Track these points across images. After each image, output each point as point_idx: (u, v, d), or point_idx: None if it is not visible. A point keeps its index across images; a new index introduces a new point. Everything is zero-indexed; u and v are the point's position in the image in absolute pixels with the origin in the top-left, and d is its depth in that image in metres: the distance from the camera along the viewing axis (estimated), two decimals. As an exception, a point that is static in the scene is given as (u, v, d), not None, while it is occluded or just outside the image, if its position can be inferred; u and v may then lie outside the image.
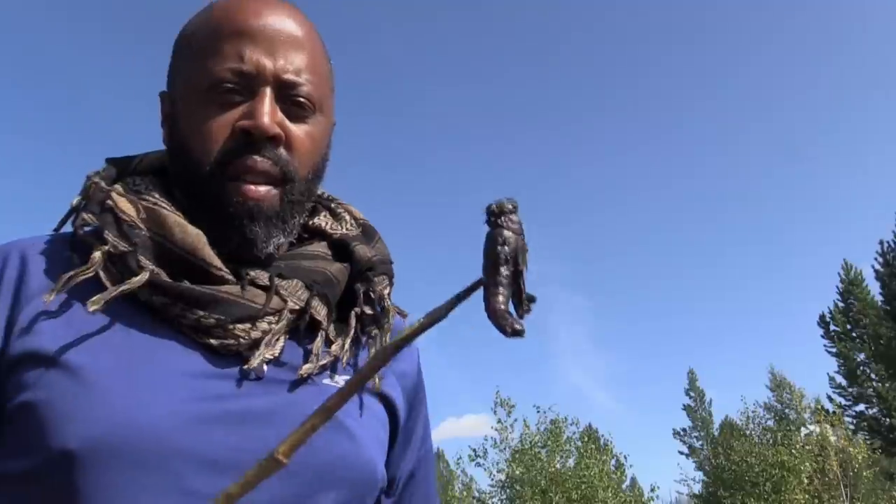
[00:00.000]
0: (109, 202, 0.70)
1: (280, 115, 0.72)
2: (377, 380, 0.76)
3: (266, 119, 0.69)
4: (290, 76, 0.72)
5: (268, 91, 0.71)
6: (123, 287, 0.64)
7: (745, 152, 56.71)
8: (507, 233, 0.37)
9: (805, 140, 56.50)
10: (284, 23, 0.74)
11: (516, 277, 0.37)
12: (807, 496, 18.40)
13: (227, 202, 0.70)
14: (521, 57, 65.54)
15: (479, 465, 19.26)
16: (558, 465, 18.35)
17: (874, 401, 30.13)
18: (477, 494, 20.51)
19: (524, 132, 62.15)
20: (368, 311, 0.76)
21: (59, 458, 0.59)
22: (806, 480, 18.35)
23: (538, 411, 19.11)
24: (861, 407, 30.81)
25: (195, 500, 0.59)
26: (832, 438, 20.25)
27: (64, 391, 0.61)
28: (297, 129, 0.73)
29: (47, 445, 0.59)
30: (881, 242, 31.74)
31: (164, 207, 0.70)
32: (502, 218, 0.37)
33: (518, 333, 0.35)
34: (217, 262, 0.69)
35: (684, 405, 36.25)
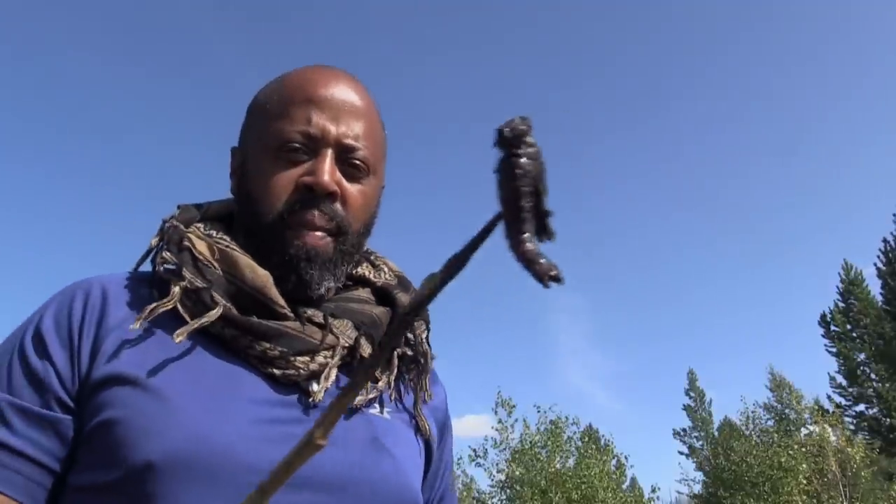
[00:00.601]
0: (187, 243, 0.78)
1: (338, 174, 0.80)
2: (427, 426, 0.86)
3: (326, 177, 0.78)
4: (349, 141, 0.81)
5: (329, 152, 0.80)
6: (203, 320, 0.72)
7: (744, 151, 56.73)
8: (524, 161, 0.33)
9: (805, 139, 56.52)
10: (348, 94, 0.83)
11: (538, 206, 0.33)
12: (804, 497, 18.39)
13: (287, 246, 0.78)
14: (521, 60, 65.53)
15: (478, 465, 19.30)
16: (558, 466, 18.36)
17: (874, 401, 30.10)
18: (476, 495, 20.52)
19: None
20: (409, 352, 0.85)
21: (141, 469, 0.65)
22: (804, 481, 18.33)
23: (538, 411, 19.14)
24: (861, 407, 30.80)
25: None
26: (832, 438, 20.24)
27: (145, 409, 0.68)
28: (352, 188, 0.82)
29: (130, 458, 0.65)
30: (884, 241, 31.76)
31: (235, 250, 0.79)
32: (517, 144, 0.33)
33: (556, 280, 0.32)
34: (281, 300, 0.77)
35: (684, 405, 36.21)
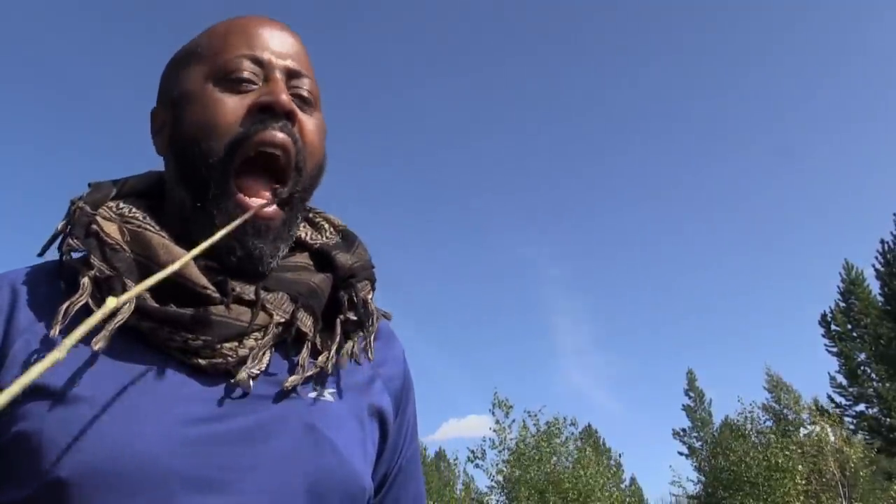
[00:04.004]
0: (94, 226, 0.71)
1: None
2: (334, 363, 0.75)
3: (285, 95, 0.72)
4: (296, 66, 0.76)
5: (280, 76, 0.74)
6: (118, 321, 0.65)
7: (745, 152, 56.58)
8: None
9: (806, 139, 56.34)
10: (285, 33, 0.78)
11: None
12: (802, 497, 18.34)
13: (232, 208, 0.71)
14: (520, 58, 65.43)
15: (477, 466, 19.28)
16: (556, 466, 18.35)
17: (874, 401, 30.04)
18: (475, 495, 20.50)
19: (524, 133, 62.05)
20: (353, 317, 0.77)
21: (53, 486, 0.60)
22: (801, 481, 18.28)
23: (530, 415, 19.10)
24: (861, 407, 30.76)
25: None
26: (831, 438, 20.17)
27: (56, 421, 0.62)
28: (306, 118, 0.76)
29: (41, 475, 0.60)
30: (882, 242, 31.67)
31: (148, 229, 0.71)
32: None
33: None
34: (203, 280, 0.69)
35: (684, 405, 36.23)
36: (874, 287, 31.68)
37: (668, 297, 58.61)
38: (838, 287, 32.51)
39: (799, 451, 19.36)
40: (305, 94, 0.76)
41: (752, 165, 56.84)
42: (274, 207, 0.72)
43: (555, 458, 18.47)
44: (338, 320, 0.76)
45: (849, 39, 57.35)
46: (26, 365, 0.65)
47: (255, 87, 0.73)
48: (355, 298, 0.78)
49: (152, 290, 0.67)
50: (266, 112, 0.71)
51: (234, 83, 0.72)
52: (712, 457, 24.22)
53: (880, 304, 30.96)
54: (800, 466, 18.41)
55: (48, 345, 0.66)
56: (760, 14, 58.89)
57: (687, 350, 55.31)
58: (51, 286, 0.71)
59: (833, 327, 32.04)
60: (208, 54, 0.75)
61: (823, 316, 32.67)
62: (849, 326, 31.61)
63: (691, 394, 36.33)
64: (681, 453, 34.70)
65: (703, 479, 26.90)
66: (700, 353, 54.64)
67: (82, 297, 0.67)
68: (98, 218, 0.72)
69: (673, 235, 58.25)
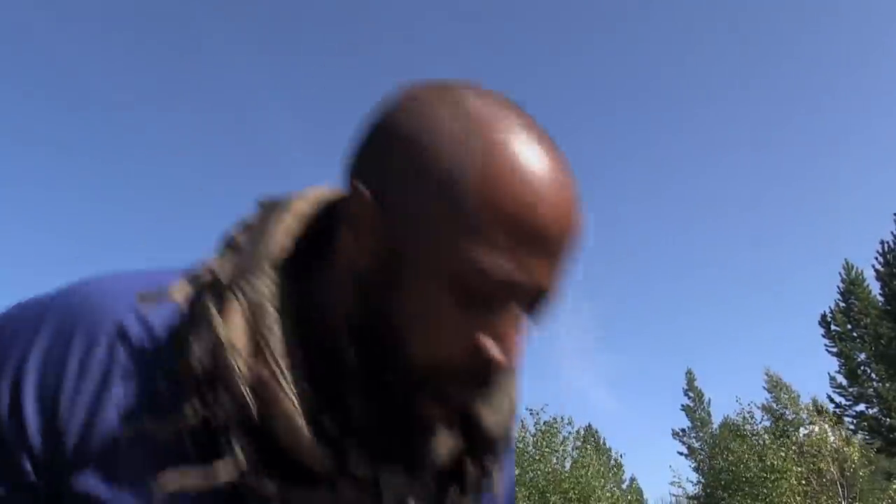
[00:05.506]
0: (219, 336, 0.55)
1: None
2: None
3: (511, 356, 0.58)
4: (552, 292, 0.60)
5: (523, 309, 0.59)
6: (204, 483, 0.54)
7: (745, 152, 56.63)
8: None
9: (806, 140, 56.39)
10: (575, 227, 0.59)
11: None
12: (799, 497, 18.37)
13: (418, 415, 0.60)
14: (519, 55, 65.50)
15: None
16: (556, 466, 18.39)
17: (874, 401, 30.08)
18: (474, 495, 20.54)
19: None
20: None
21: None
22: (795, 482, 18.32)
23: (531, 413, 19.20)
24: (861, 407, 30.80)
25: None
26: (830, 438, 20.20)
27: None
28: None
29: None
30: (882, 243, 31.70)
31: (282, 381, 0.56)
32: None
33: None
34: (317, 454, 0.56)
35: (683, 405, 36.28)
36: (874, 287, 31.75)
37: (669, 296, 58.73)
38: (838, 287, 32.56)
39: (798, 451, 19.39)
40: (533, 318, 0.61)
41: (753, 165, 56.94)
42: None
43: (555, 459, 18.51)
44: (450, 490, 0.65)
45: (848, 39, 57.46)
46: (98, 470, 0.55)
47: (491, 303, 0.57)
48: (482, 474, 0.66)
49: (257, 444, 0.56)
50: (484, 366, 0.57)
51: (472, 297, 0.56)
52: (711, 457, 24.24)
53: (880, 304, 30.99)
54: (794, 467, 18.44)
55: (128, 456, 0.55)
56: (765, 14, 59.01)
57: (687, 350, 55.47)
58: (161, 359, 0.57)
59: (833, 327, 32.07)
60: (463, 230, 0.55)
61: (823, 316, 32.70)
62: (849, 326, 31.63)
63: (691, 394, 36.41)
64: (680, 453, 34.80)
65: (702, 479, 26.92)
66: (700, 353, 54.77)
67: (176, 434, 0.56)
68: (230, 326, 0.56)
69: (673, 235, 58.37)
